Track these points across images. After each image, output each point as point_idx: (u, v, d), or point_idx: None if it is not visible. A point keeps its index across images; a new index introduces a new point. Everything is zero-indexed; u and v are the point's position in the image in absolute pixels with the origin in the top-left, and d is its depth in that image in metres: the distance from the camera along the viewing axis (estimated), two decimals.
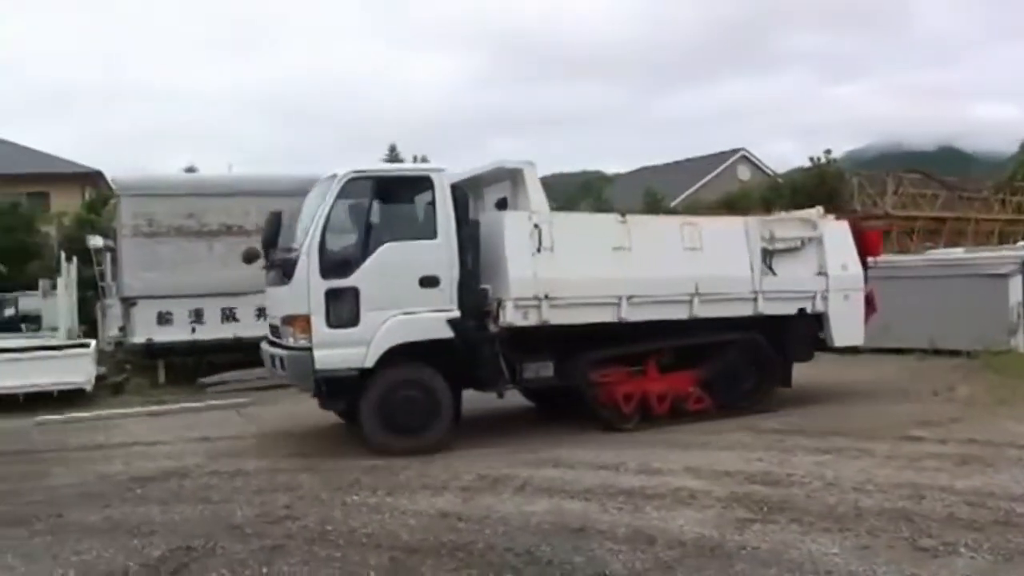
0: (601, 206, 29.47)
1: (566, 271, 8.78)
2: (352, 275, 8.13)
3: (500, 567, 5.01)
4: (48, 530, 6.05)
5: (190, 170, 30.16)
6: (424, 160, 39.44)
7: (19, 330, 17.91)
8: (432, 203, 8.45)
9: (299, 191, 9.18)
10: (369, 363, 8.15)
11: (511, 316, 8.54)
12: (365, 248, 8.21)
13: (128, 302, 14.01)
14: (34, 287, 19.48)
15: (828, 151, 31.31)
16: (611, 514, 5.96)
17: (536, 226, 8.72)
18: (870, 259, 10.88)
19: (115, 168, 34.17)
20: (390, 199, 8.54)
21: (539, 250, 8.69)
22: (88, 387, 12.57)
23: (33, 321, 18.72)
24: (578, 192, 38.40)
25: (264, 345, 9.28)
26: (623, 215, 9.42)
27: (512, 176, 9.12)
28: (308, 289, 8.05)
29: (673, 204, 34.52)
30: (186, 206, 14.16)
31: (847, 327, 10.46)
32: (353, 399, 8.29)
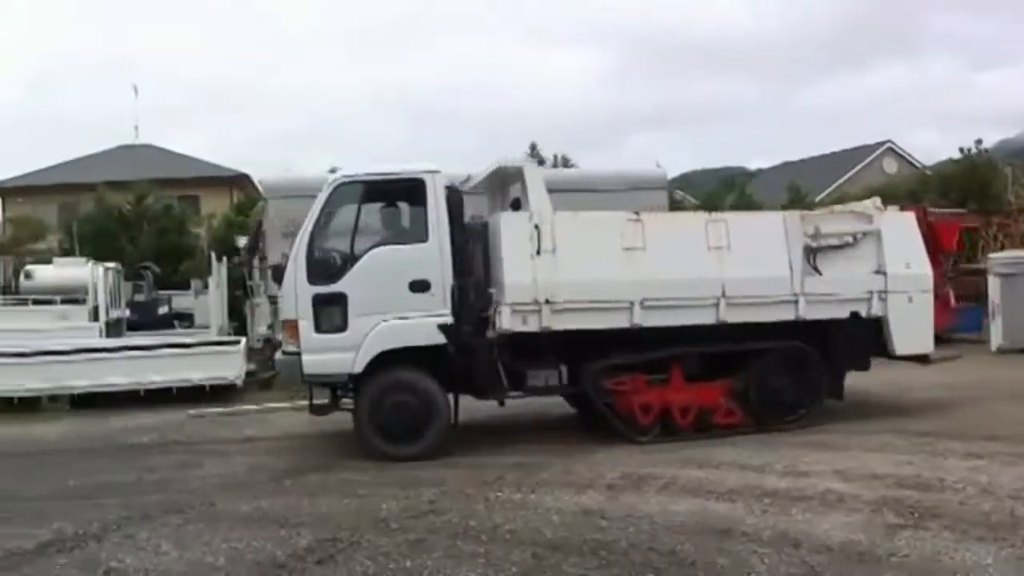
0: (743, 202, 28.22)
1: (570, 274, 8.32)
2: (340, 281, 8.07)
3: (642, 566, 4.96)
4: (200, 518, 6.34)
5: (333, 171, 31.07)
6: (565, 158, 39.83)
7: (173, 327, 18.91)
8: (424, 206, 8.25)
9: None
10: (357, 369, 8.06)
11: (507, 322, 8.20)
12: (354, 253, 8.13)
13: (275, 300, 14.43)
14: (186, 286, 20.74)
15: (979, 141, 28.44)
16: (756, 516, 5.85)
17: (536, 227, 8.32)
18: (944, 255, 9.63)
19: (261, 170, 36.26)
20: (381, 203, 8.43)
21: (538, 252, 8.29)
22: (238, 382, 13.13)
23: (186, 319, 19.69)
24: (719, 188, 37.03)
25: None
26: (637, 213, 8.77)
27: (519, 176, 8.75)
28: (296, 295, 8.06)
29: (818, 199, 32.75)
30: None
31: (912, 332, 9.28)
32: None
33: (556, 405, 10.04)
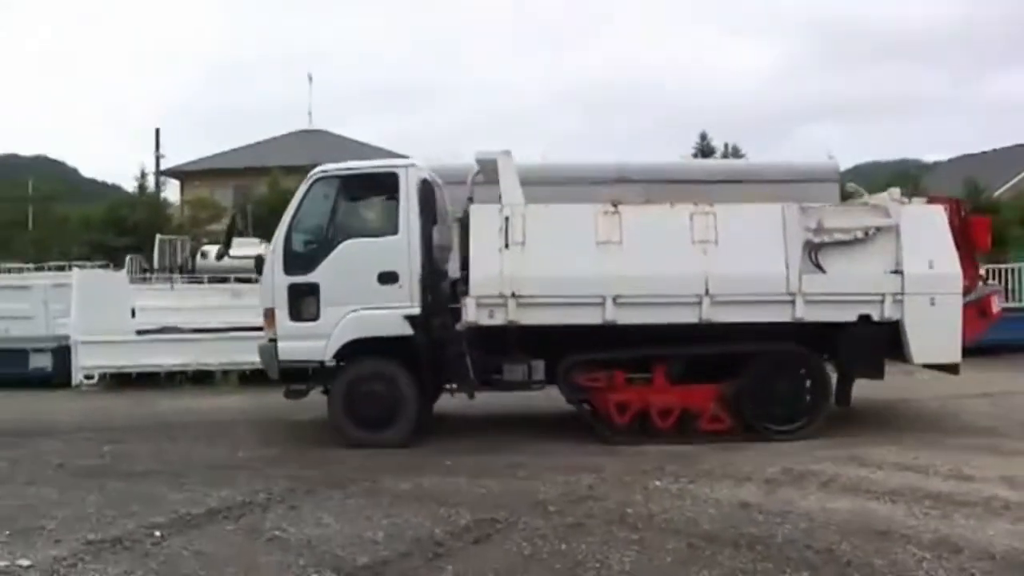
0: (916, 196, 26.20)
1: (539, 268, 8.20)
2: (314, 271, 8.40)
3: (798, 563, 4.93)
4: (362, 494, 6.60)
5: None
6: (735, 149, 38.60)
7: None
8: (396, 200, 8.42)
9: (612, 178, 10.49)
10: (327, 356, 8.38)
11: (473, 314, 8.21)
12: (327, 245, 8.44)
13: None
14: None
15: None
16: (917, 518, 5.75)
17: (507, 219, 8.27)
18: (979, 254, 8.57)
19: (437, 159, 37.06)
20: (356, 197, 8.71)
21: (507, 245, 8.23)
22: None
23: None
24: (892, 181, 34.47)
25: None
26: (615, 204, 8.44)
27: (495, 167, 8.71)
28: (273, 284, 8.49)
29: (996, 194, 29.82)
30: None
31: (934, 339, 8.34)
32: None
33: None
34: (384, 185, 8.57)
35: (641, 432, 8.43)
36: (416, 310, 8.31)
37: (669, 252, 8.27)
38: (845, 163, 29.60)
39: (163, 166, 38.13)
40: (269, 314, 8.51)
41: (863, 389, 9.14)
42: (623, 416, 8.43)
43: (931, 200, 8.93)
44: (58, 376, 13.65)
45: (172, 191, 39.51)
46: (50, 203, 37.16)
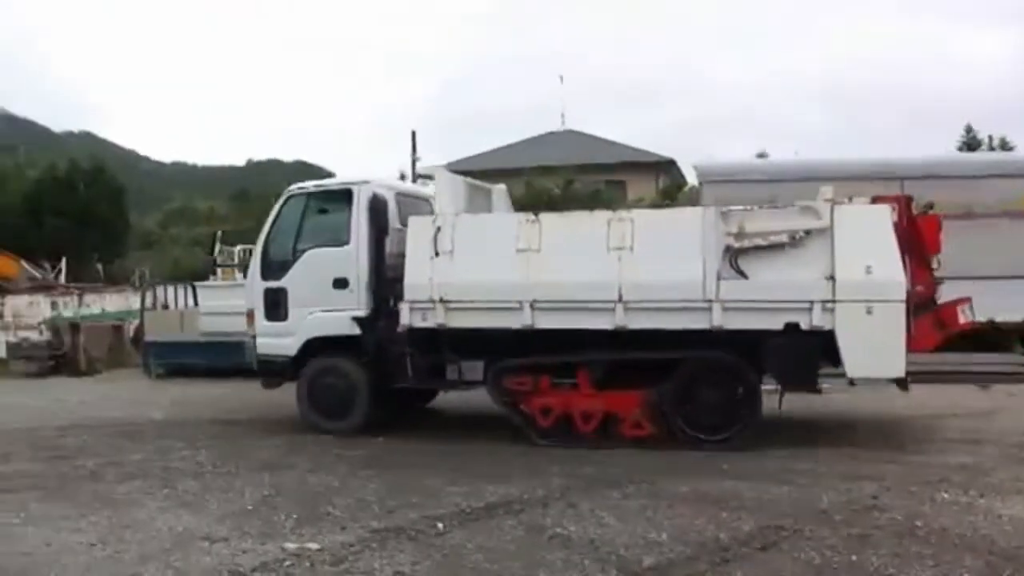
0: None
1: (464, 274, 8.71)
2: (284, 277, 9.55)
3: None
4: (640, 494, 6.56)
5: (761, 155, 30.15)
6: (1003, 142, 34.86)
7: None
8: (350, 213, 9.31)
9: (873, 175, 10.80)
10: (293, 352, 9.49)
11: (407, 317, 8.90)
12: (295, 254, 9.55)
13: None
14: None
15: None
16: None
17: (438, 229, 8.84)
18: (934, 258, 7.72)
19: (686, 156, 36.52)
20: (320, 211, 9.69)
21: (437, 253, 8.81)
22: None
23: None
24: None
25: None
26: (536, 214, 8.66)
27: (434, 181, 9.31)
28: (252, 288, 9.75)
29: None
30: (764, 192, 13.00)
31: (870, 351, 7.73)
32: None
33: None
34: (340, 200, 9.50)
35: (567, 436, 8.63)
36: (363, 312, 9.17)
37: (585, 259, 8.38)
38: None
39: (419, 168, 36.85)
40: (250, 314, 9.79)
41: None
42: (546, 419, 8.68)
43: (876, 199, 8.14)
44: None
45: None
46: None
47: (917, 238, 7.87)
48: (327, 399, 9.42)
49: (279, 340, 9.55)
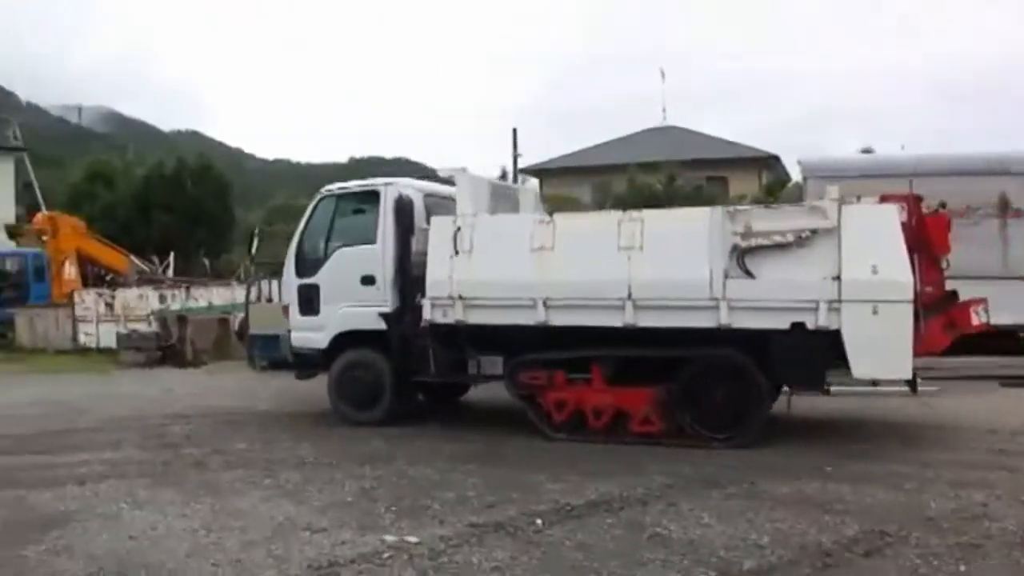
0: None
1: (481, 272, 8.97)
2: (317, 274, 10.03)
3: None
4: (741, 495, 6.46)
5: (866, 151, 29.35)
6: None
7: None
8: (377, 213, 9.70)
9: (986, 170, 10.95)
10: (323, 345, 9.97)
11: (428, 313, 9.22)
12: (327, 252, 10.02)
13: None
14: None
15: None
16: None
17: (458, 229, 9.12)
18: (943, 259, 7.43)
19: (791, 153, 35.62)
20: (350, 211, 10.12)
21: (457, 252, 9.09)
22: None
23: None
24: None
25: None
26: (550, 214, 8.79)
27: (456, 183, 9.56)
28: (288, 284, 10.29)
29: None
30: (869, 187, 12.41)
31: (877, 351, 7.55)
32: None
33: None
34: (369, 200, 9.91)
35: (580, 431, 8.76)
36: (388, 308, 9.56)
37: (596, 258, 8.49)
38: None
39: (520, 165, 38.19)
40: (285, 309, 10.34)
41: None
42: (560, 413, 8.84)
43: (884, 199, 7.87)
44: None
45: None
46: None
47: (926, 238, 7.58)
48: (355, 391, 9.86)
49: (312, 334, 10.05)
